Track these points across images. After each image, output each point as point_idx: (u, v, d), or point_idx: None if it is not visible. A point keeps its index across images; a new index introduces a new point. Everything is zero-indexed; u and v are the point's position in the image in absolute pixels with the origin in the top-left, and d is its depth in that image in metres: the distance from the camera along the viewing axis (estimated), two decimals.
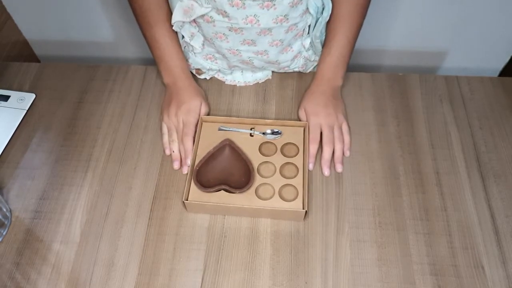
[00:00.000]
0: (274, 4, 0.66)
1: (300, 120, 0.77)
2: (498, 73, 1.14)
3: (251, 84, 0.84)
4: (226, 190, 0.66)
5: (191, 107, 0.75)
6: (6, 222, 0.66)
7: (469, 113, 0.79)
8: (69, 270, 0.62)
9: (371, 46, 1.11)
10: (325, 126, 0.73)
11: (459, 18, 1.01)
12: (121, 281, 0.61)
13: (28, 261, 0.63)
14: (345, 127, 0.75)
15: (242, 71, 0.85)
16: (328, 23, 0.76)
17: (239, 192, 0.66)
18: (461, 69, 1.13)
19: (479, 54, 1.10)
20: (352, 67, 1.16)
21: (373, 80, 0.84)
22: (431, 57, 1.12)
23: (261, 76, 0.85)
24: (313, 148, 0.72)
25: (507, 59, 1.10)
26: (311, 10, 0.70)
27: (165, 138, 0.75)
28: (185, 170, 0.72)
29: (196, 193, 0.67)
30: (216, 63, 0.82)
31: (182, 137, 0.73)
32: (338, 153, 0.72)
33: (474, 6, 0.97)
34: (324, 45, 0.78)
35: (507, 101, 0.80)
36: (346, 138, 0.74)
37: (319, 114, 0.74)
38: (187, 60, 0.81)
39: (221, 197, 0.66)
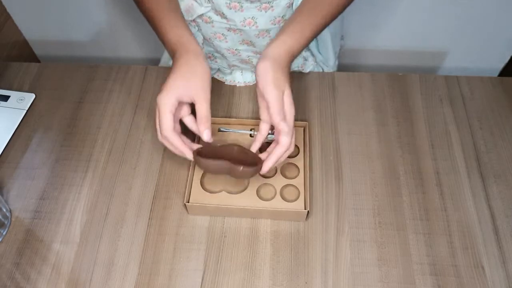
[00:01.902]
0: (272, 6, 0.66)
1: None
2: (498, 73, 1.14)
3: (251, 84, 0.84)
4: (230, 174, 0.61)
5: None
6: (6, 222, 0.66)
7: (469, 113, 0.79)
8: (69, 270, 0.62)
9: (371, 46, 1.11)
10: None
11: (459, 18, 1.01)
12: (121, 281, 0.61)
13: (28, 261, 0.63)
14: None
15: (241, 71, 0.85)
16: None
17: (243, 168, 0.60)
18: (461, 69, 1.14)
19: (479, 54, 1.10)
20: (352, 67, 1.16)
21: (373, 80, 0.84)
22: (431, 57, 1.12)
23: None
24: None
25: (507, 59, 1.10)
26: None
27: None
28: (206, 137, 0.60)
29: (197, 195, 0.67)
30: (216, 62, 0.82)
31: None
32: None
33: (474, 6, 0.97)
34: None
35: (507, 101, 0.80)
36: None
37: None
38: None
39: (222, 199, 0.66)
